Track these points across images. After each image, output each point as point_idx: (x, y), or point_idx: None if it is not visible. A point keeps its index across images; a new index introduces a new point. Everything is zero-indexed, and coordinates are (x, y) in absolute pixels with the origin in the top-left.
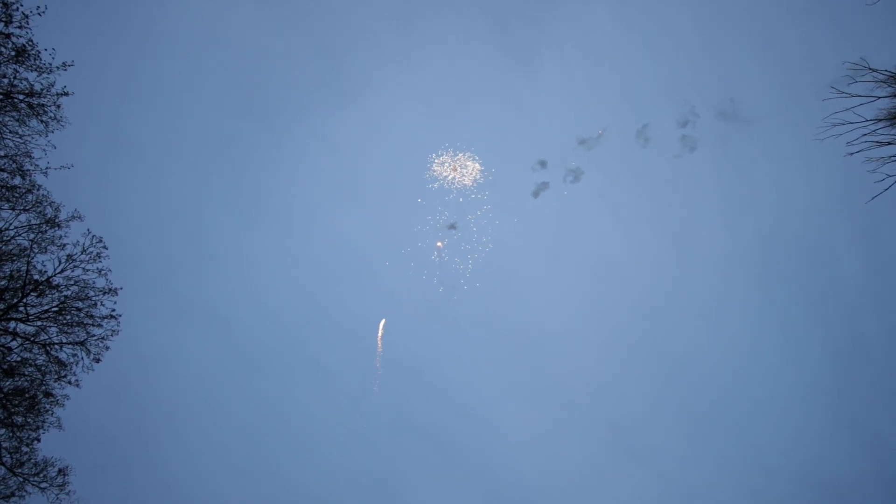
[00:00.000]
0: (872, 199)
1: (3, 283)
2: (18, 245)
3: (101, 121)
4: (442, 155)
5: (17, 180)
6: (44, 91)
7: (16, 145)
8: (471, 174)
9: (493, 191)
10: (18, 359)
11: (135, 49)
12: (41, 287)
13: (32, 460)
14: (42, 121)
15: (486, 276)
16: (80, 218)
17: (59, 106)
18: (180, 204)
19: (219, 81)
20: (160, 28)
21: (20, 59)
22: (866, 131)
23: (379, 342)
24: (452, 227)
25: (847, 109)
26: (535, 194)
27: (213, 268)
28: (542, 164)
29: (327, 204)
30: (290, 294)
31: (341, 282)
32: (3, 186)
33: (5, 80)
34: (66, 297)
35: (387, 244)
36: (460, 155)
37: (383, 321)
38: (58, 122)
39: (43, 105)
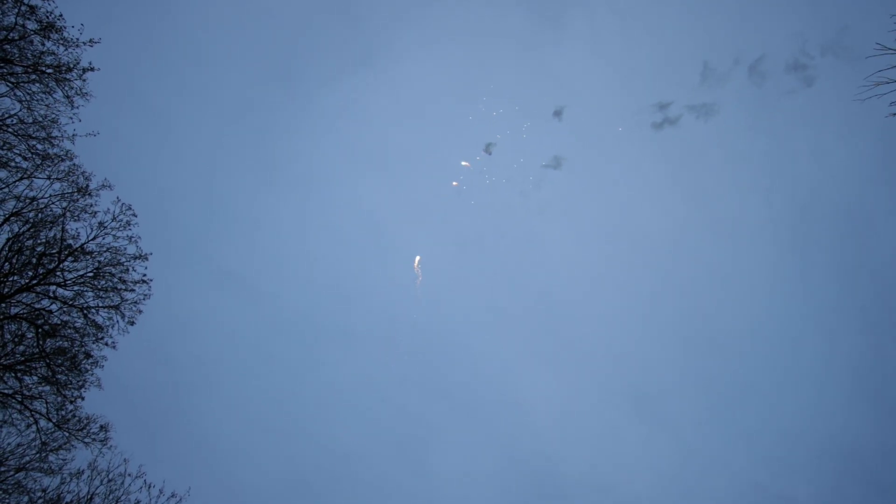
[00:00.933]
0: None
1: (40, 248)
2: (52, 213)
3: (126, 90)
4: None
5: (47, 147)
6: (70, 65)
7: (42, 114)
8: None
9: (517, 153)
10: (59, 321)
11: (159, 15)
12: (76, 253)
13: (76, 417)
14: (67, 95)
15: (510, 243)
16: (109, 187)
17: (84, 80)
18: (208, 171)
19: (242, 48)
20: None
21: (47, 32)
22: None
23: (417, 271)
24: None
25: (893, 67)
26: (556, 164)
27: (242, 234)
28: (558, 112)
29: (352, 169)
30: (315, 260)
31: (366, 248)
32: (34, 154)
33: (30, 52)
34: (99, 262)
35: (412, 210)
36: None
37: (418, 258)
38: (82, 96)
39: (68, 79)
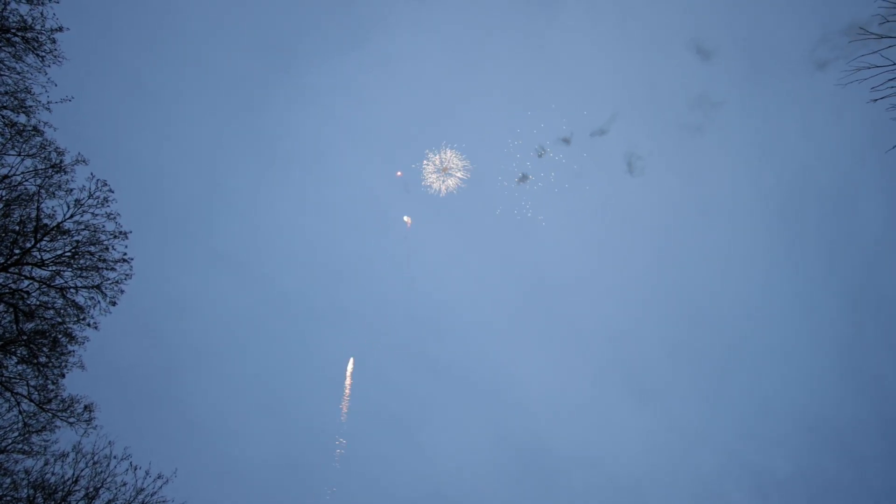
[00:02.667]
0: (894, 147)
1: (15, 227)
2: (26, 190)
3: (121, 72)
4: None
5: (22, 117)
6: (35, 23)
7: (15, 82)
8: (454, 175)
9: (511, 140)
10: (37, 302)
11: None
12: (52, 232)
13: (59, 397)
14: (39, 55)
15: (502, 221)
16: (84, 162)
17: (53, 41)
18: (200, 150)
19: (237, 29)
20: None
21: None
22: (894, 75)
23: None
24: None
25: (874, 52)
26: (539, 154)
27: (233, 213)
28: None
29: (347, 149)
30: (308, 240)
31: (360, 228)
32: (6, 125)
33: None
34: (77, 241)
35: (402, 188)
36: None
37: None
38: (55, 57)
39: (38, 40)
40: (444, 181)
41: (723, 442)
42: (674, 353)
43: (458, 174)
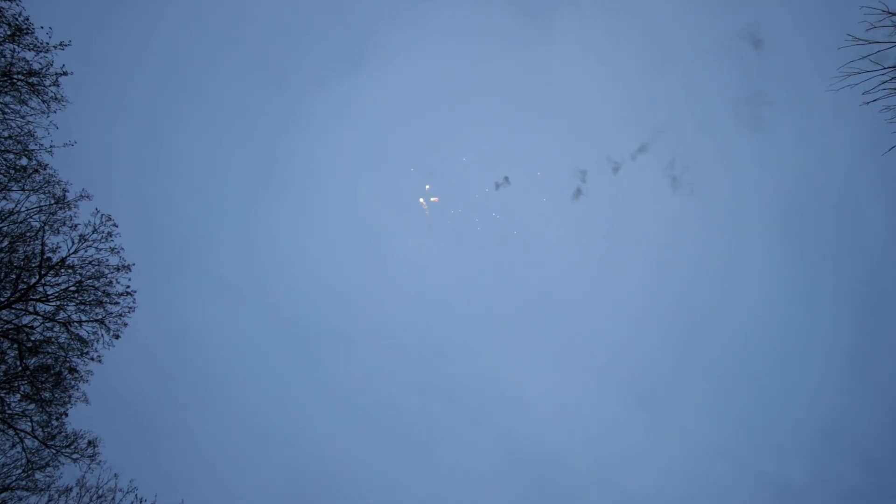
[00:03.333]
0: (890, 150)
1: (19, 263)
2: (31, 227)
3: (117, 96)
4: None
5: (24, 161)
6: (43, 70)
7: (19, 126)
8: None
9: (511, 159)
10: (41, 337)
11: (150, 19)
12: (57, 267)
13: (63, 433)
14: (43, 100)
15: (507, 239)
16: (88, 197)
17: (58, 85)
18: (201, 178)
19: (235, 51)
20: None
21: (16, 37)
22: (886, 78)
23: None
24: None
25: (864, 57)
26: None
27: (234, 240)
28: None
29: (347, 172)
30: (311, 264)
31: (361, 251)
32: (10, 167)
33: (3, 60)
34: (81, 276)
35: (404, 211)
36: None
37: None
38: (58, 101)
39: (43, 85)
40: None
41: (738, 454)
42: (683, 367)
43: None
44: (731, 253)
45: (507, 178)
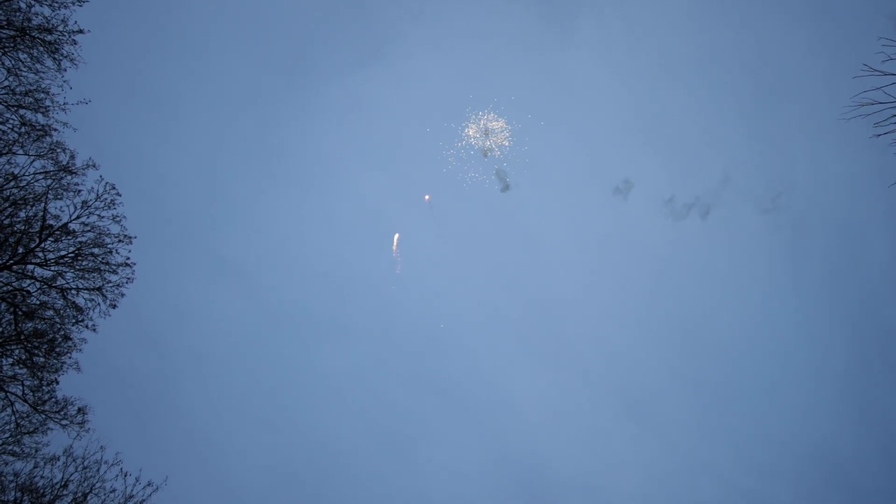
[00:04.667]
0: (895, 183)
1: (20, 227)
2: (34, 191)
3: (132, 77)
4: (471, 123)
5: (39, 117)
6: (58, 26)
7: (33, 81)
8: (499, 136)
9: (518, 153)
10: (37, 302)
11: (168, 3)
12: (58, 233)
13: (53, 399)
14: (55, 59)
15: (503, 239)
16: (94, 166)
17: (75, 43)
18: (210, 160)
19: (250, 38)
20: None
21: None
22: None
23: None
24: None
25: (878, 88)
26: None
27: (238, 223)
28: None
29: (354, 164)
30: (314, 252)
31: (364, 242)
32: (23, 124)
33: (19, 15)
34: (81, 242)
35: (410, 204)
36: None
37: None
38: (72, 60)
39: (59, 42)
40: (486, 144)
41: (723, 471)
42: (674, 379)
43: (502, 139)
44: (729, 267)
45: (507, 184)
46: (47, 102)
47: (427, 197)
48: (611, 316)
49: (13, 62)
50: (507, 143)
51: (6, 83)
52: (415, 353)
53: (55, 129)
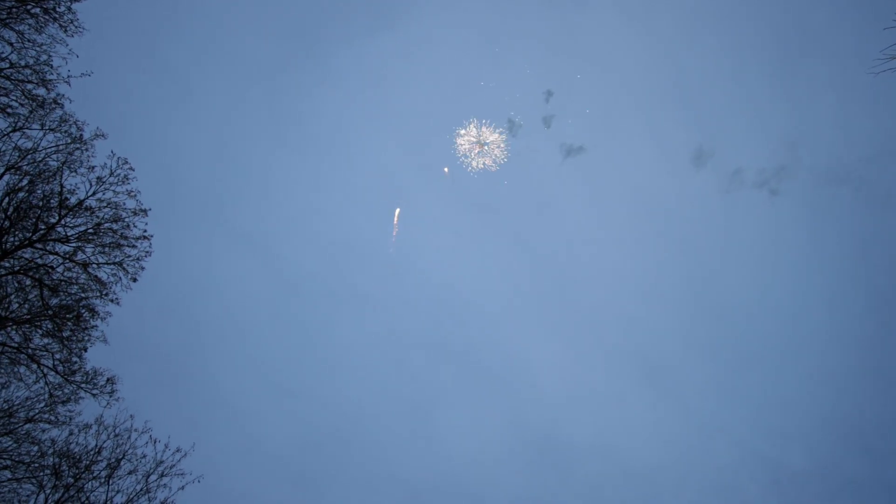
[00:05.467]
0: None
1: (39, 203)
2: (49, 166)
3: (135, 43)
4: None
5: (42, 91)
6: None
7: (36, 55)
8: (494, 149)
9: (536, 123)
10: (61, 277)
11: None
12: (76, 209)
13: (83, 370)
14: (61, 24)
15: (520, 202)
16: (103, 136)
17: (71, 10)
18: (224, 131)
19: (259, 7)
20: None
21: None
22: None
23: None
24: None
25: None
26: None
27: (253, 194)
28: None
29: (369, 131)
30: (330, 221)
31: (380, 210)
32: (29, 98)
33: None
34: (100, 218)
35: (425, 173)
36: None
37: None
38: (75, 27)
39: (56, 10)
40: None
41: (739, 435)
42: (691, 343)
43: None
44: (746, 231)
45: (519, 124)
46: (49, 75)
47: (446, 169)
48: (627, 281)
49: (15, 34)
50: (502, 146)
51: (10, 57)
52: (432, 321)
53: (59, 104)
